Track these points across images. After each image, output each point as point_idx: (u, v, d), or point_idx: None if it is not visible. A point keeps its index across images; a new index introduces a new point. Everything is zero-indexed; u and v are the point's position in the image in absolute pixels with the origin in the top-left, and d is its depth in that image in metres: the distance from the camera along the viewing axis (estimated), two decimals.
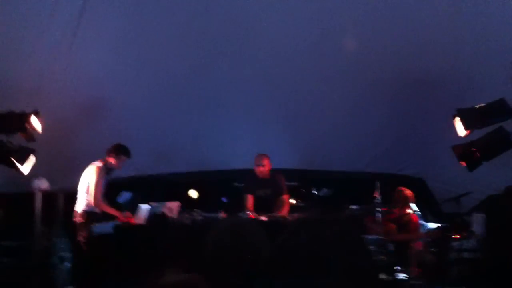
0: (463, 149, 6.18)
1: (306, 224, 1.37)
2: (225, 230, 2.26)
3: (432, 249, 6.57)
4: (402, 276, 6.32)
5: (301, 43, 7.43)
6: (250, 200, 7.01)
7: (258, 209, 6.81)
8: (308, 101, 8.07)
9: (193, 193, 7.42)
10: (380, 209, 6.47)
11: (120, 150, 6.81)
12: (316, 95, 7.99)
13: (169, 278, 2.04)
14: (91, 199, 6.57)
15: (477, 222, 6.54)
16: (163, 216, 6.11)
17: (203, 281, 2.03)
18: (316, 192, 7.52)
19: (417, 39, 7.09)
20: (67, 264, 6.71)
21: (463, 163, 6.19)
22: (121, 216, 6.48)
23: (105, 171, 6.82)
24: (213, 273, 2.17)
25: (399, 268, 6.33)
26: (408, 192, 6.96)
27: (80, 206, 6.71)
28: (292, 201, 7.53)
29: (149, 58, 7.49)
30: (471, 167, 6.16)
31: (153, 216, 6.10)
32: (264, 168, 6.97)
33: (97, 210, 6.64)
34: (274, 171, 7.18)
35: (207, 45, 7.41)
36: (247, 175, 7.32)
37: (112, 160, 6.80)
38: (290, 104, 8.13)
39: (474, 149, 6.07)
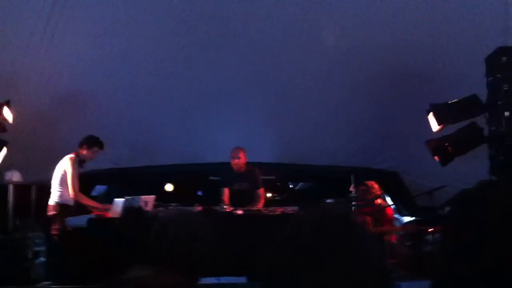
0: (436, 144, 6.27)
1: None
2: (168, 222, 2.27)
3: (407, 243, 6.66)
4: None
5: (285, 38, 7.44)
6: (226, 193, 7.00)
7: (234, 203, 6.81)
8: (287, 96, 8.08)
9: (169, 187, 7.39)
10: (355, 203, 6.53)
11: (92, 142, 6.71)
12: (295, 90, 8.02)
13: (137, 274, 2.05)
14: (68, 191, 6.47)
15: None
16: (139, 209, 6.07)
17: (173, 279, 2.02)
18: (292, 186, 7.57)
19: (394, 36, 7.16)
20: (42, 259, 6.63)
21: (437, 158, 6.28)
22: (101, 207, 6.42)
23: (78, 163, 6.72)
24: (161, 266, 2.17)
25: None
26: (373, 183, 7.07)
27: (53, 199, 6.62)
28: (269, 194, 7.56)
29: (129, 49, 7.42)
30: (444, 161, 6.25)
31: (128, 209, 6.05)
32: (239, 161, 6.96)
33: (70, 202, 6.56)
34: (250, 165, 7.18)
35: (190, 38, 7.37)
36: (224, 169, 7.31)
37: (85, 152, 6.70)
38: (269, 98, 8.13)
39: (447, 144, 6.15)
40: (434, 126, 6.26)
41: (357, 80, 7.65)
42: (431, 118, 6.31)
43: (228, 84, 7.87)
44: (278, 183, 7.76)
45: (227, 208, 6.41)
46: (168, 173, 8.49)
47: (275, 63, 7.66)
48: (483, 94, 6.14)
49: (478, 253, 1.59)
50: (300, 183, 8.39)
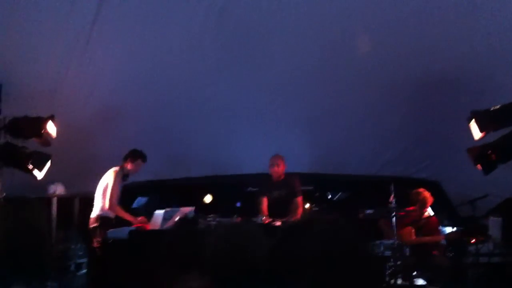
0: (479, 152, 6.10)
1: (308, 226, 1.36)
2: (221, 235, 2.25)
3: (449, 254, 6.52)
4: (420, 281, 6.27)
5: (315, 46, 7.41)
6: (264, 203, 6.99)
7: (272, 211, 6.80)
8: (322, 105, 8.04)
9: (208, 198, 7.43)
10: (395, 213, 6.43)
11: (136, 155, 6.88)
12: (330, 99, 7.97)
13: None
14: (106, 203, 6.61)
15: (494, 226, 6.46)
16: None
17: None
18: (331, 196, 7.51)
19: (431, 41, 7.03)
20: (84, 270, 6.75)
21: (479, 166, 6.12)
22: (135, 221, 6.51)
23: (121, 176, 6.87)
24: (214, 278, 2.16)
25: (416, 272, 6.28)
26: (426, 193, 6.92)
27: (95, 211, 6.75)
28: (307, 205, 7.51)
29: (165, 64, 7.51)
30: (487, 170, 6.08)
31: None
32: (278, 168, 6.96)
33: (111, 214, 6.67)
34: (288, 174, 7.16)
35: (222, 50, 7.42)
36: (262, 179, 7.32)
37: (129, 166, 6.87)
38: (304, 108, 8.11)
39: (489, 151, 5.99)
40: (476, 133, 6.10)
41: (395, 87, 7.54)
42: (472, 125, 6.16)
43: (263, 95, 7.88)
44: (316, 193, 7.70)
45: (265, 219, 6.40)
46: (206, 184, 8.56)
47: (309, 72, 7.63)
48: None
49: None
50: (339, 193, 8.31)
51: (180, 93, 7.86)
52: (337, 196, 7.55)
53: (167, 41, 7.27)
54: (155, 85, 7.73)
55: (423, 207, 6.87)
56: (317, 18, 7.10)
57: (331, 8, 6.98)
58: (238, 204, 7.25)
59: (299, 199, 7.01)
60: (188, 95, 7.88)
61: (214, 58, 7.50)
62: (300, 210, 6.95)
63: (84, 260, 6.64)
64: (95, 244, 6.58)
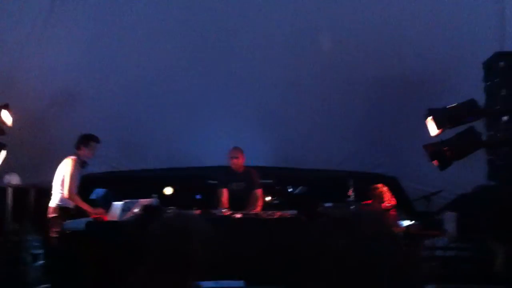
0: (435, 148, 6.25)
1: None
2: (163, 227, 2.24)
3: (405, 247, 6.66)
4: None
5: (278, 41, 7.47)
6: (224, 194, 7.01)
7: (232, 203, 6.83)
8: (284, 99, 8.11)
9: (168, 190, 7.38)
10: (353, 207, 6.54)
11: (87, 138, 6.74)
12: (292, 94, 8.04)
13: None
14: (65, 192, 6.48)
15: (449, 220, 6.64)
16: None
17: None
18: (291, 190, 7.56)
19: (392, 40, 7.18)
20: (40, 262, 6.61)
21: (435, 162, 6.28)
22: (93, 211, 6.41)
23: (79, 164, 6.74)
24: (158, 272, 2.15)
25: None
26: (383, 188, 7.08)
27: (54, 201, 6.62)
28: (267, 198, 7.55)
29: (124, 50, 7.43)
30: (442, 166, 6.23)
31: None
32: (238, 161, 6.99)
33: (71, 205, 6.56)
34: (248, 167, 7.20)
35: (187, 40, 7.39)
36: (222, 172, 7.32)
37: (84, 151, 6.72)
38: (266, 102, 8.16)
39: (445, 148, 6.15)
40: (433, 130, 6.25)
41: (354, 84, 7.68)
42: (429, 122, 6.30)
43: (225, 88, 7.90)
44: (276, 187, 7.75)
45: (225, 211, 6.42)
46: (166, 176, 8.50)
47: (272, 67, 7.68)
48: (481, 99, 6.16)
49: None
50: (300, 187, 8.37)
51: (141, 83, 7.79)
52: (297, 190, 7.60)
53: (127, 28, 7.19)
54: (113, 74, 7.65)
55: (380, 202, 7.03)
56: (281, 13, 7.15)
57: (295, 4, 7.04)
58: (198, 197, 7.23)
59: (259, 191, 7.06)
60: (149, 85, 7.81)
61: (176, 48, 7.45)
62: (260, 203, 7.00)
63: (40, 251, 6.50)
64: (53, 235, 6.46)
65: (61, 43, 7.16)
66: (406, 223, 7.04)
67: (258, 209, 6.80)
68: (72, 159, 6.64)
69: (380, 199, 7.03)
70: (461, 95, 6.32)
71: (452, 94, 6.66)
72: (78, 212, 6.57)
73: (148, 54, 7.50)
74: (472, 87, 6.41)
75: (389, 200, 7.07)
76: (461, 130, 6.19)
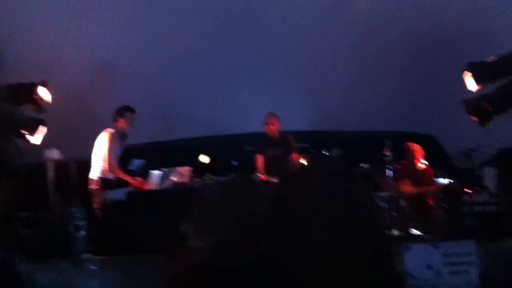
0: (474, 104, 6.10)
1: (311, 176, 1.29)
2: (223, 192, 2.20)
3: (444, 205, 6.59)
4: (415, 231, 6.36)
5: (312, 6, 7.34)
6: (260, 160, 7.01)
7: (269, 170, 6.83)
8: (319, 63, 8.01)
9: (204, 158, 7.43)
10: (390, 166, 6.48)
11: (122, 110, 6.79)
12: (327, 57, 7.93)
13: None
14: (106, 165, 6.60)
15: (489, 176, 6.51)
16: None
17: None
18: (327, 153, 7.51)
19: None
20: (83, 232, 6.79)
21: (475, 118, 6.12)
22: (134, 182, 6.52)
23: (118, 137, 6.81)
24: (217, 236, 2.12)
25: (412, 224, 6.37)
26: (415, 146, 6.97)
27: (95, 173, 6.75)
28: (304, 162, 7.52)
29: (160, 23, 7.43)
30: (483, 121, 6.08)
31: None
32: (273, 127, 6.96)
33: (111, 176, 6.68)
34: (284, 132, 7.17)
35: (219, 10, 7.34)
36: (258, 138, 7.31)
37: (121, 123, 6.78)
38: (301, 66, 8.07)
39: (485, 103, 5.98)
40: (473, 86, 6.07)
41: (388, 44, 7.51)
42: (468, 78, 6.12)
43: (258, 54, 7.82)
44: (312, 150, 7.70)
45: (262, 176, 6.43)
46: (202, 145, 8.54)
47: (305, 30, 7.57)
48: None
49: None
50: (335, 150, 8.32)
51: (175, 54, 7.79)
52: (333, 153, 7.54)
53: (163, 2, 7.19)
54: (149, 48, 7.67)
55: (413, 159, 6.95)
56: None
57: None
58: (235, 163, 7.25)
59: (296, 155, 7.04)
60: (182, 56, 7.81)
61: (210, 19, 7.42)
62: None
63: (83, 222, 6.67)
64: (95, 206, 6.61)
65: (99, 20, 7.22)
66: (445, 181, 6.95)
67: None
68: (109, 132, 6.73)
69: (412, 157, 6.94)
70: (500, 48, 6.12)
71: (490, 48, 6.45)
72: (118, 183, 6.69)
73: (182, 26, 7.49)
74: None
75: (421, 158, 6.97)
76: (501, 84, 6.01)
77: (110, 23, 7.30)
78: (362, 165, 6.76)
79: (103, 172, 6.65)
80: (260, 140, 7.16)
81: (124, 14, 7.27)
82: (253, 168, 6.99)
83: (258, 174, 6.57)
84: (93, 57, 7.54)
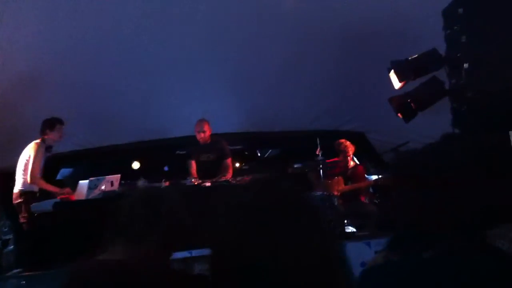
0: (399, 101, 6.28)
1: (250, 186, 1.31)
2: (136, 199, 2.19)
3: (376, 201, 6.74)
4: (350, 228, 6.47)
5: (242, 2, 7.31)
6: (193, 166, 6.95)
7: (202, 175, 6.78)
8: (249, 61, 7.99)
9: (135, 164, 7.30)
10: (322, 165, 6.56)
11: (52, 122, 6.59)
12: (257, 54, 7.92)
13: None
14: (28, 177, 6.34)
15: None
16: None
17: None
18: (260, 154, 7.54)
19: None
20: (11, 247, 6.53)
21: (400, 115, 6.30)
22: (60, 192, 6.30)
23: (43, 148, 6.58)
24: (132, 245, 2.11)
25: (346, 221, 6.47)
26: (347, 142, 7.12)
27: (17, 186, 6.49)
28: (237, 164, 7.52)
29: (84, 22, 7.19)
30: (408, 118, 6.27)
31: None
32: (205, 134, 6.90)
33: (35, 188, 6.43)
34: (216, 136, 7.12)
35: (144, 8, 7.18)
36: (190, 141, 7.24)
37: (50, 135, 6.57)
38: (232, 65, 8.02)
39: (409, 100, 6.17)
40: (396, 83, 6.26)
41: (316, 42, 7.59)
42: (392, 75, 6.30)
43: (186, 55, 7.72)
44: (245, 152, 7.72)
45: (194, 181, 6.37)
46: (133, 150, 8.38)
47: (235, 30, 7.54)
48: (442, 48, 6.15)
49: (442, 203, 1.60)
50: (269, 150, 8.36)
51: (103, 55, 7.58)
52: (266, 154, 7.58)
53: (84, 5, 6.96)
54: (73, 53, 7.41)
55: (346, 156, 7.09)
56: None
57: None
58: (166, 169, 7.16)
59: (228, 160, 7.01)
60: (107, 60, 7.61)
61: (137, 18, 7.25)
62: (230, 170, 6.95)
63: (10, 236, 6.40)
64: (21, 220, 6.37)
65: (19, 24, 6.91)
66: (374, 177, 7.11)
67: (228, 176, 6.76)
68: (36, 143, 6.49)
69: (345, 153, 7.09)
70: (422, 45, 6.31)
71: (414, 45, 6.65)
72: (42, 195, 6.45)
73: (109, 24, 7.28)
74: (433, 36, 6.39)
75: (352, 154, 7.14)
76: (423, 81, 6.22)
77: (30, 24, 7.02)
78: (295, 165, 6.80)
79: (24, 184, 6.41)
80: (192, 145, 7.08)
81: (47, 12, 6.99)
82: (185, 173, 6.91)
83: (191, 179, 6.50)
84: (12, 60, 7.22)
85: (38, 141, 6.54)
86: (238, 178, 6.39)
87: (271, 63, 7.95)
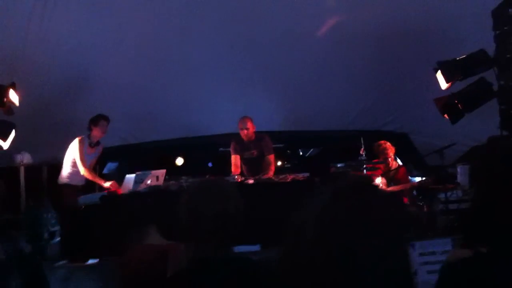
0: (446, 101, 6.20)
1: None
2: (196, 193, 2.20)
3: (419, 203, 6.66)
4: None
5: (283, 3, 7.34)
6: (237, 162, 7.00)
7: (246, 171, 6.84)
8: (291, 62, 8.01)
9: (179, 160, 7.39)
10: (365, 165, 6.52)
11: (97, 118, 6.76)
12: (299, 55, 7.93)
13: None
14: (76, 172, 6.55)
15: (462, 173, 6.60)
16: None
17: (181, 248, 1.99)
18: (302, 153, 7.54)
19: None
20: (57, 238, 6.70)
21: (446, 116, 6.22)
22: (108, 185, 6.46)
23: (86, 143, 6.76)
24: (190, 238, 2.12)
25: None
26: (386, 144, 7.03)
27: (62, 180, 6.70)
28: (279, 162, 7.54)
29: (129, 24, 7.36)
30: (454, 119, 6.19)
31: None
32: (248, 131, 6.94)
33: (79, 182, 6.64)
34: (259, 133, 7.15)
35: (189, 9, 7.29)
36: (234, 138, 7.30)
37: (94, 132, 6.75)
38: (273, 65, 8.06)
39: (456, 101, 6.08)
40: (443, 83, 6.18)
41: (362, 42, 7.55)
42: (439, 76, 6.22)
43: (231, 55, 7.80)
44: (288, 151, 7.72)
45: (238, 178, 6.41)
46: (177, 147, 8.49)
47: (276, 29, 7.57)
48: (491, 49, 6.05)
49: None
50: (311, 149, 8.34)
51: (147, 55, 7.72)
52: (308, 153, 7.58)
53: (129, 5, 7.11)
54: (120, 49, 7.58)
55: (386, 158, 7.01)
56: None
57: None
58: (210, 165, 7.22)
59: (271, 157, 7.02)
60: (154, 56, 7.75)
61: (183, 17, 7.37)
62: (272, 168, 6.97)
63: (57, 228, 6.57)
64: (67, 212, 6.54)
65: (65, 22, 7.10)
66: (418, 179, 7.01)
67: (271, 173, 6.79)
68: (79, 139, 6.68)
69: (385, 155, 6.99)
70: (471, 46, 6.22)
71: (461, 46, 6.55)
72: (85, 188, 6.64)
73: (154, 25, 7.42)
74: (482, 37, 6.29)
75: (393, 155, 7.04)
76: (471, 81, 6.12)
77: (79, 21, 7.20)
78: (337, 164, 6.77)
79: (69, 177, 6.61)
80: (236, 143, 7.13)
81: (95, 12, 7.17)
82: (228, 170, 6.97)
83: (234, 176, 6.55)
84: (61, 57, 7.42)
85: (82, 136, 6.72)
86: (281, 176, 6.41)
87: (314, 61, 7.95)
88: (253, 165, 6.90)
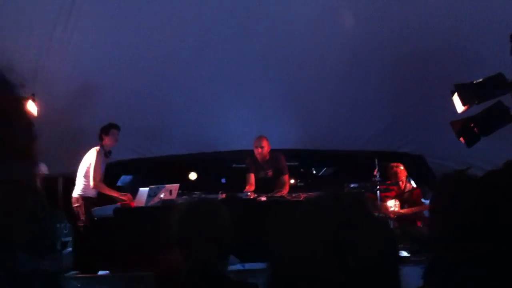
0: (462, 125, 6.14)
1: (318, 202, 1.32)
2: (187, 211, 2.29)
3: None
4: (404, 253, 6.34)
5: (300, 21, 7.37)
6: (252, 179, 7.01)
7: (260, 189, 6.84)
8: (307, 80, 8.02)
9: (193, 175, 7.42)
10: (379, 187, 6.49)
11: (107, 128, 6.88)
12: (315, 74, 7.95)
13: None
14: (90, 182, 6.60)
15: None
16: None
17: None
18: (315, 172, 7.52)
19: (414, 15, 7.03)
20: (69, 249, 6.74)
21: (462, 139, 6.17)
22: (122, 198, 6.50)
23: (102, 154, 6.85)
24: (184, 253, 2.21)
25: (401, 245, 6.35)
26: (399, 168, 7.00)
27: (76, 191, 6.75)
28: (292, 181, 7.53)
29: (145, 39, 7.42)
30: (470, 142, 6.13)
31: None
32: (263, 150, 6.96)
33: (92, 194, 6.69)
34: (274, 151, 7.16)
35: (204, 24, 7.35)
36: (249, 156, 7.31)
37: (106, 141, 6.84)
38: (289, 83, 8.08)
39: (472, 124, 6.03)
40: (459, 107, 6.13)
41: (378, 63, 7.55)
42: (455, 98, 6.18)
43: (247, 71, 7.84)
44: (301, 169, 7.72)
45: (250, 194, 6.42)
46: (191, 161, 8.53)
47: (293, 49, 7.60)
48: (509, 73, 6.01)
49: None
50: (324, 169, 8.32)
51: (163, 70, 7.79)
52: (322, 171, 7.56)
53: (147, 17, 7.18)
54: (136, 62, 7.65)
55: (398, 180, 6.98)
56: None
57: None
58: (223, 181, 7.24)
59: (286, 177, 7.04)
60: (170, 71, 7.81)
61: (197, 34, 7.42)
62: (287, 187, 6.98)
63: (69, 238, 6.62)
64: (79, 224, 6.60)
65: (84, 37, 7.20)
66: None
67: (284, 192, 6.79)
68: (96, 149, 6.76)
69: (396, 178, 6.97)
70: (488, 70, 6.18)
71: (479, 69, 6.51)
72: (99, 201, 6.68)
73: (171, 40, 7.49)
74: (500, 61, 6.25)
75: (404, 178, 7.01)
76: (488, 105, 6.07)
77: (95, 35, 7.29)
78: (351, 184, 6.75)
79: (84, 189, 6.67)
80: (251, 161, 7.15)
81: (110, 27, 7.26)
82: (241, 186, 6.98)
83: (247, 192, 6.56)
84: (78, 70, 7.51)
85: (97, 147, 6.80)
86: (294, 195, 6.40)
87: (330, 81, 7.96)
88: (268, 184, 6.91)
